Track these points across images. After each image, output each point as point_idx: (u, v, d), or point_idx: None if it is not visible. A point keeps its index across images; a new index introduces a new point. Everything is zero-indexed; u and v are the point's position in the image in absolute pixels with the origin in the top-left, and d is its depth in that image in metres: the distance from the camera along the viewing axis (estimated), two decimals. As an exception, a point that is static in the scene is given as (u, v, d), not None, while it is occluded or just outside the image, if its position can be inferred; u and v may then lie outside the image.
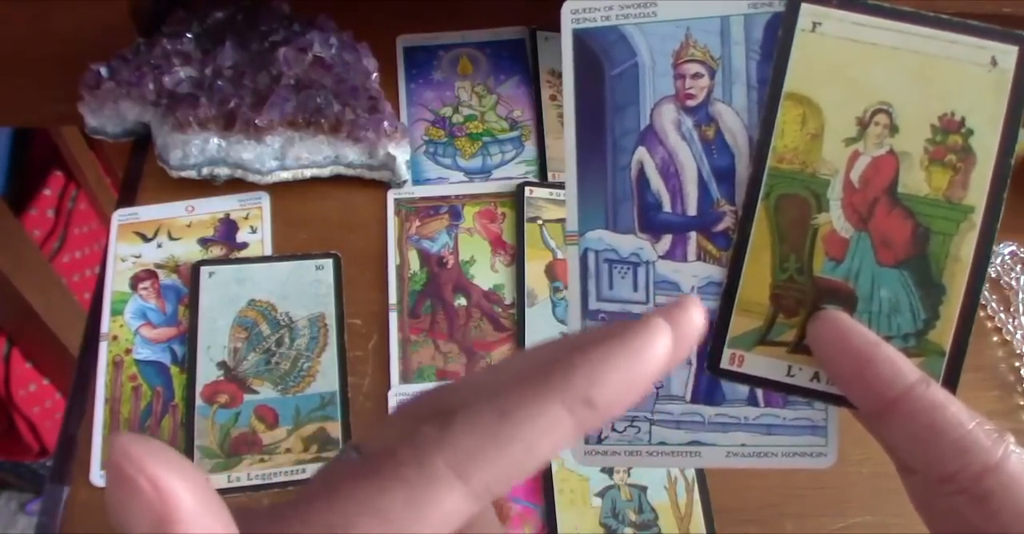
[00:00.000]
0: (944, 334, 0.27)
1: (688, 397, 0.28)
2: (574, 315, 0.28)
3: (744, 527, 0.45)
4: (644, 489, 0.45)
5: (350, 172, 0.55)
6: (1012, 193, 0.27)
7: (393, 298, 0.52)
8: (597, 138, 0.28)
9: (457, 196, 0.55)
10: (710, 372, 0.28)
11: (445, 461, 0.17)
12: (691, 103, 0.27)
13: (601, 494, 0.45)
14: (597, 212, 0.28)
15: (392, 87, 0.59)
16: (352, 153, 0.54)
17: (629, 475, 0.46)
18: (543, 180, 0.56)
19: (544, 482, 0.46)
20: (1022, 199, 0.53)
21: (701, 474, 0.45)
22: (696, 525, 0.44)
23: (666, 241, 0.28)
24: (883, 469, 0.46)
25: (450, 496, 0.17)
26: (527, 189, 0.54)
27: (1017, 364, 0.50)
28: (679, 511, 0.45)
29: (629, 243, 0.28)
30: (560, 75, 0.62)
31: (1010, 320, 0.52)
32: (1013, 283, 0.53)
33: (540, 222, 0.54)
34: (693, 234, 0.28)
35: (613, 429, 0.29)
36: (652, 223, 0.28)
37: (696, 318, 0.20)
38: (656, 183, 0.28)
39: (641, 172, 0.28)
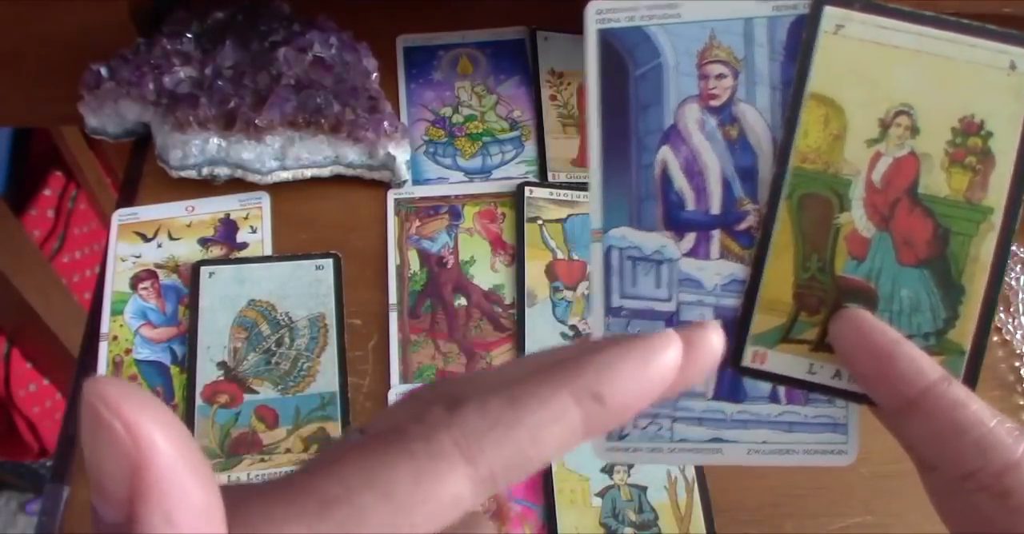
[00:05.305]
0: (964, 333, 0.27)
1: (710, 394, 0.29)
2: (597, 311, 0.29)
3: (744, 527, 0.45)
4: (644, 489, 0.45)
5: (350, 172, 0.55)
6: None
7: (393, 298, 0.52)
8: (621, 137, 0.28)
9: (457, 196, 0.55)
10: (732, 369, 0.28)
11: (453, 440, 0.17)
12: (715, 103, 0.28)
13: (601, 494, 0.45)
14: (620, 210, 0.28)
15: (392, 87, 0.59)
16: (352, 153, 0.54)
17: (629, 475, 0.46)
18: (543, 180, 0.56)
19: (544, 482, 0.46)
20: (1022, 199, 0.53)
21: (701, 474, 0.45)
22: (696, 525, 0.44)
23: (689, 239, 0.28)
24: (883, 469, 0.46)
25: (455, 477, 0.17)
26: (527, 189, 0.54)
27: (1017, 364, 0.50)
28: (679, 511, 0.45)
29: (652, 240, 0.28)
30: (560, 75, 0.63)
31: (1010, 320, 0.52)
32: (1013, 283, 0.53)
33: (540, 222, 0.54)
34: (716, 232, 0.28)
35: (635, 426, 0.29)
36: (676, 221, 0.28)
37: (714, 341, 0.20)
38: (680, 182, 0.28)
39: (665, 171, 0.28)
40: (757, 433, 0.29)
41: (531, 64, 0.60)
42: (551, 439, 0.18)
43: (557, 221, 0.53)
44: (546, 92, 0.59)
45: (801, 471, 0.46)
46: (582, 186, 0.55)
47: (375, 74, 0.56)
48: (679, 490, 0.45)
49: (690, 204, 0.28)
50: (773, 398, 0.29)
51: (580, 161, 0.57)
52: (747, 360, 0.28)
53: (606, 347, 0.19)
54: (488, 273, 0.53)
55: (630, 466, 0.45)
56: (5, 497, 1.20)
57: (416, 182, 0.56)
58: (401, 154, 0.54)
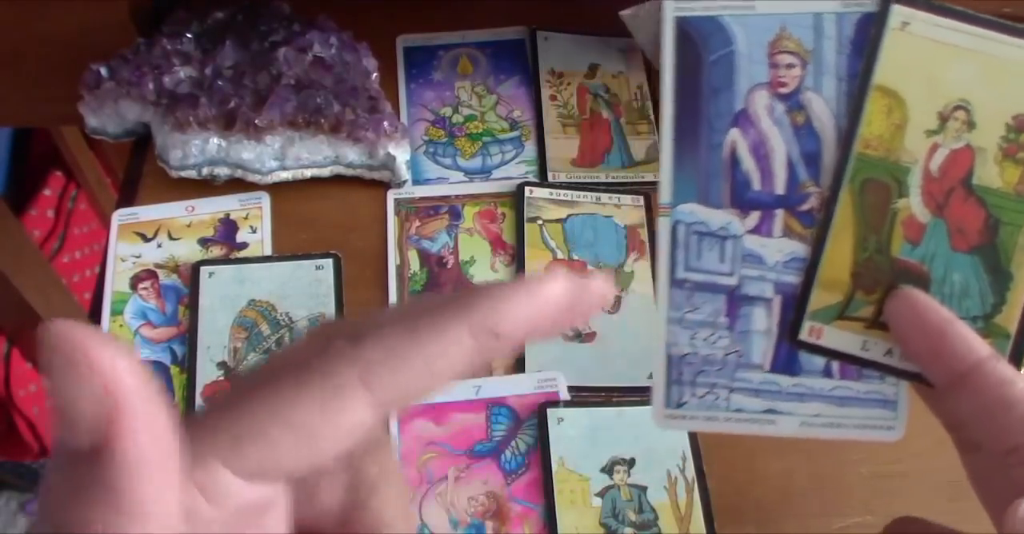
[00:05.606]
0: (1010, 318, 0.29)
1: (767, 366, 0.30)
2: (663, 283, 0.30)
3: (744, 527, 0.45)
4: (644, 489, 0.45)
5: (350, 172, 0.55)
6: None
7: (393, 298, 0.52)
8: (692, 118, 0.29)
9: (457, 196, 0.55)
10: (789, 343, 0.30)
11: (354, 370, 0.18)
12: (783, 90, 0.29)
13: (601, 494, 0.45)
14: (689, 186, 0.30)
15: (392, 87, 0.59)
16: (352, 153, 0.54)
17: (629, 475, 0.46)
18: (543, 180, 0.56)
19: (544, 482, 0.46)
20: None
21: (701, 474, 0.45)
22: (696, 525, 0.44)
23: (754, 217, 0.30)
24: (883, 469, 0.46)
25: (356, 404, 0.18)
26: (527, 189, 0.54)
27: (1017, 364, 0.50)
28: (679, 511, 0.45)
29: (719, 217, 0.30)
30: (560, 75, 0.63)
31: (1010, 320, 0.52)
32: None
33: (540, 222, 0.54)
34: (780, 212, 0.30)
35: (693, 394, 0.30)
36: (741, 200, 0.30)
37: (600, 282, 0.21)
38: (747, 163, 0.30)
39: (733, 152, 0.30)
40: (810, 406, 0.30)
41: (531, 64, 0.60)
42: (445, 367, 0.19)
43: (557, 221, 0.54)
44: (546, 92, 0.59)
45: (801, 471, 0.46)
46: (582, 186, 0.55)
47: (375, 74, 0.57)
48: (679, 490, 0.45)
49: (756, 184, 0.30)
50: (827, 373, 0.30)
51: (580, 161, 0.57)
52: (804, 334, 0.30)
53: (501, 284, 0.20)
54: (488, 273, 0.53)
55: (630, 465, 0.46)
56: (5, 497, 1.20)
57: (416, 182, 0.56)
58: (401, 154, 0.54)
